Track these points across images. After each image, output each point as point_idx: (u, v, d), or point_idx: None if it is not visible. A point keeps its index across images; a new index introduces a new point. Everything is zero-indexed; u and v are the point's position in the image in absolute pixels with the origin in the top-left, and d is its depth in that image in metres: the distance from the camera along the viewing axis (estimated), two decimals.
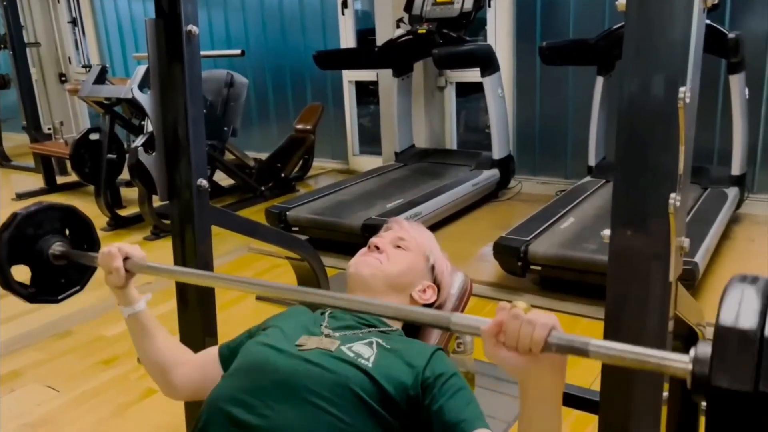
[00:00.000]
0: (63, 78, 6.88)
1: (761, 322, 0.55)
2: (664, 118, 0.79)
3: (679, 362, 0.62)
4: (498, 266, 2.69)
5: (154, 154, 1.35)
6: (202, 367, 1.13)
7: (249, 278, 1.09)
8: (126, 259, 1.09)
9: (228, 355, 1.10)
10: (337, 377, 0.91)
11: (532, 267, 2.55)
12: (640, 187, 0.83)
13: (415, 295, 1.14)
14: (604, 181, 3.47)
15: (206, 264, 1.34)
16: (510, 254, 2.58)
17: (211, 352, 1.14)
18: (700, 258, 2.35)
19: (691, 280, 2.24)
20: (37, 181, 5.20)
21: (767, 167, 3.56)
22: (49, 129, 5.81)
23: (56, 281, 1.21)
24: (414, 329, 1.16)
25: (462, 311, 1.26)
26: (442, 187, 3.56)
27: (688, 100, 0.77)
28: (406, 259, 1.14)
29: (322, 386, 0.90)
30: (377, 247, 1.14)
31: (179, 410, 1.53)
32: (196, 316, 1.44)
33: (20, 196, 4.84)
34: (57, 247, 1.17)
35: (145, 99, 3.36)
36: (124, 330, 2.55)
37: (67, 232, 1.23)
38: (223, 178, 4.41)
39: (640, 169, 0.84)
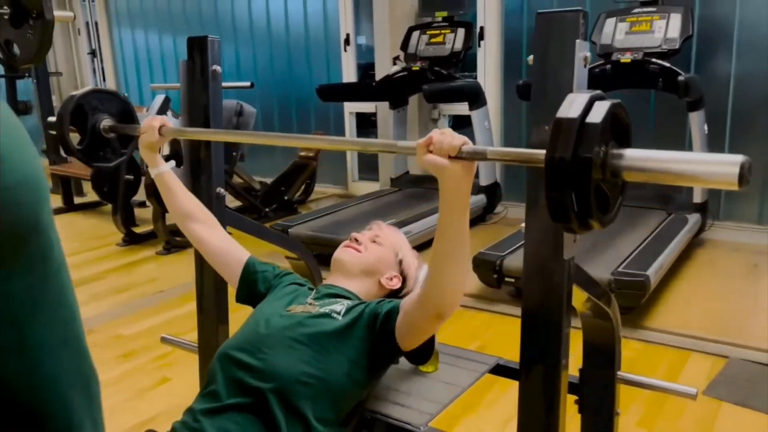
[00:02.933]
0: None
1: (583, 113, 0.78)
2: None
3: (539, 155, 0.85)
4: (477, 278, 2.99)
5: (182, 167, 1.68)
6: (227, 249, 1.46)
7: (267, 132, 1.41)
8: (161, 126, 1.40)
9: (250, 269, 1.43)
10: (314, 328, 1.22)
11: (507, 279, 2.85)
12: (542, 190, 1.15)
13: (383, 281, 1.44)
14: None
15: None
16: (487, 267, 2.89)
17: (241, 254, 1.46)
18: (653, 272, 2.64)
19: (642, 291, 2.53)
20: (55, 201, 5.54)
21: (732, 197, 3.86)
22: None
23: (105, 151, 1.50)
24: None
25: None
26: (432, 210, 3.88)
27: None
28: (379, 252, 1.45)
29: (303, 335, 1.21)
30: (357, 240, 1.45)
31: (192, 393, 1.81)
32: (211, 306, 1.72)
33: None
34: (106, 122, 1.47)
35: (176, 123, 3.71)
36: (139, 330, 2.87)
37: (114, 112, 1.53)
38: (231, 200, 4.74)
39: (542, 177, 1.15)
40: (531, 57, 1.16)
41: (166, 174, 1.45)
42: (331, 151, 5.37)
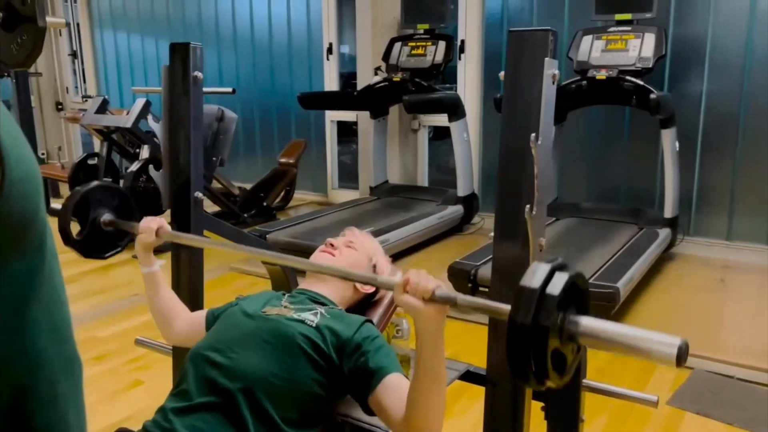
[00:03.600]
0: (60, 107, 7.23)
1: (543, 284, 0.85)
2: (525, 154, 1.16)
3: (503, 311, 0.93)
4: (451, 287, 3.03)
5: (161, 171, 1.70)
6: (191, 324, 1.48)
7: (242, 245, 1.44)
8: (159, 228, 1.45)
9: (212, 320, 1.43)
10: (286, 332, 1.24)
11: (481, 288, 2.90)
12: (511, 200, 1.19)
13: (358, 286, 1.47)
14: (554, 219, 3.85)
15: (198, 261, 1.67)
16: (461, 276, 2.93)
17: (201, 315, 1.48)
18: (623, 284, 2.70)
19: (612, 302, 2.60)
20: None
21: (702, 213, 3.96)
22: (43, 154, 6.13)
23: (102, 244, 1.56)
24: (358, 311, 1.50)
25: None
26: (409, 219, 3.93)
27: (539, 142, 1.14)
28: (353, 257, 1.48)
29: (275, 337, 1.24)
30: (332, 245, 1.49)
31: (163, 397, 1.82)
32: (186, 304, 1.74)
33: None
34: (106, 216, 1.51)
35: (156, 127, 3.75)
36: (113, 332, 2.86)
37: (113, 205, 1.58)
38: (209, 205, 4.72)
39: (511, 188, 1.20)
40: (503, 73, 1.21)
41: (156, 273, 1.50)
42: (311, 162, 5.40)
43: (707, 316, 2.92)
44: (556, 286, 0.85)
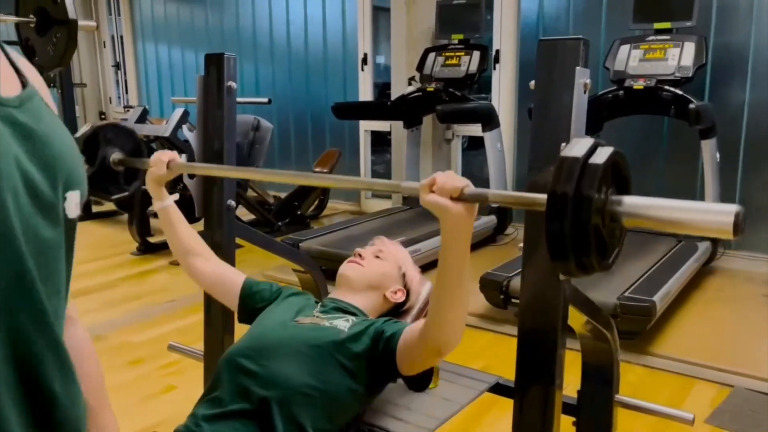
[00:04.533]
0: (102, 116, 7.44)
1: (587, 154, 0.79)
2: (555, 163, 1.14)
3: (540, 201, 0.86)
4: (483, 299, 3.00)
5: (195, 178, 1.72)
6: (221, 276, 1.50)
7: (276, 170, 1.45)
8: (170, 161, 1.42)
9: (247, 291, 1.47)
10: (318, 341, 1.25)
11: (513, 300, 2.86)
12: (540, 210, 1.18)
13: (387, 295, 1.47)
14: None
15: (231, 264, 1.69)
16: (493, 288, 2.90)
17: (237, 277, 1.49)
18: (659, 298, 2.63)
19: (648, 316, 2.54)
20: None
21: (746, 226, 3.84)
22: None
23: (110, 183, 1.52)
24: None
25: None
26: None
27: None
28: (382, 267, 1.48)
29: (308, 347, 1.25)
30: (361, 255, 1.49)
31: (195, 401, 1.85)
32: (218, 317, 1.76)
33: None
34: (116, 155, 1.51)
35: (191, 136, 3.83)
36: (149, 338, 2.91)
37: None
38: (244, 213, 4.80)
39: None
40: (533, 82, 1.20)
41: (170, 208, 1.49)
42: (345, 171, 5.43)
43: (749, 332, 2.83)
44: (600, 157, 0.79)
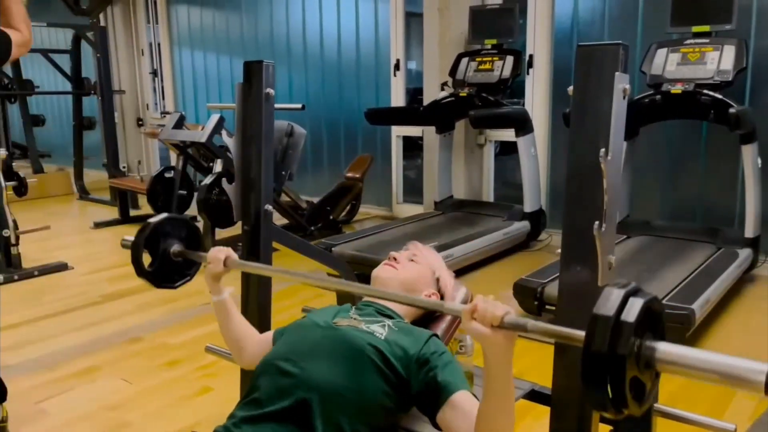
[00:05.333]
0: (140, 122, 7.61)
1: (618, 311, 0.84)
2: (594, 169, 1.14)
3: (577, 337, 0.92)
4: (517, 305, 2.98)
5: (233, 184, 1.76)
6: (260, 345, 1.50)
7: (310, 273, 1.47)
8: (226, 258, 1.47)
9: (279, 339, 1.46)
10: (356, 343, 1.26)
11: (547, 306, 2.83)
12: (579, 216, 1.17)
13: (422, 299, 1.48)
14: (625, 236, 3.73)
15: (267, 279, 1.72)
16: (527, 294, 2.88)
17: (268, 335, 1.51)
18: (698, 306, 2.58)
19: (687, 325, 2.49)
20: (111, 213, 5.78)
21: None
22: (124, 167, 6.46)
23: (172, 274, 1.62)
24: (422, 324, 1.50)
25: None
26: (474, 234, 3.89)
27: (609, 158, 1.11)
28: (416, 270, 1.49)
29: (345, 349, 1.26)
30: (395, 259, 1.50)
31: (232, 403, 1.87)
32: (255, 320, 1.78)
33: (97, 225, 5.40)
34: (176, 247, 1.58)
35: (230, 142, 3.90)
36: (185, 339, 2.97)
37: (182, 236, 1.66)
38: (278, 218, 4.84)
39: (579, 204, 1.18)
40: (571, 88, 1.20)
41: (226, 301, 1.53)
42: (376, 177, 5.45)
43: None
44: (632, 312, 0.83)
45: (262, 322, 1.73)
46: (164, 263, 1.60)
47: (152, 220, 1.60)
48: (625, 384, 0.81)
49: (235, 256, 1.50)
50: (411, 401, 1.28)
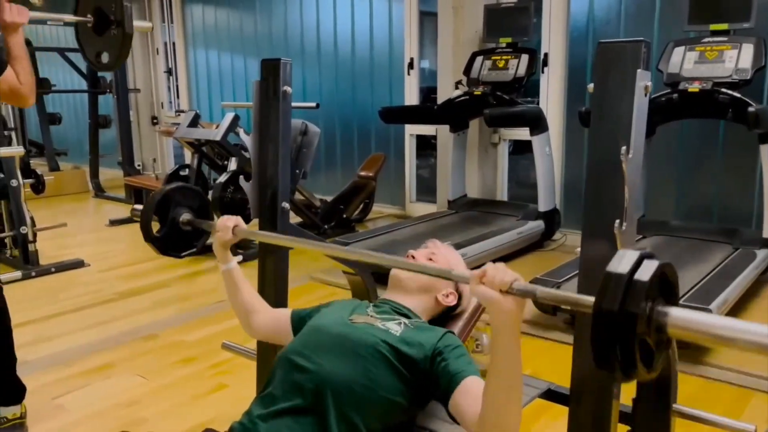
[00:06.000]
0: (155, 121, 7.66)
1: (632, 270, 0.82)
2: (614, 167, 1.13)
3: (587, 303, 0.88)
4: (532, 304, 2.96)
5: (250, 182, 1.77)
6: (275, 321, 1.53)
7: (323, 242, 1.48)
8: (235, 226, 1.50)
9: (297, 321, 1.48)
10: (372, 341, 1.26)
11: (563, 306, 2.82)
12: (599, 215, 1.16)
13: (439, 297, 1.48)
14: (641, 236, 3.70)
15: (284, 266, 1.72)
16: None
17: (285, 313, 1.52)
18: (716, 307, 2.56)
19: None
20: (126, 211, 5.82)
21: None
22: (139, 165, 6.51)
23: (179, 242, 1.63)
24: (439, 323, 1.49)
25: (479, 315, 1.59)
26: (488, 233, 3.88)
27: (630, 155, 1.11)
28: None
29: (361, 346, 1.26)
30: (413, 257, 1.50)
31: (247, 400, 1.88)
32: (271, 297, 1.78)
33: (113, 223, 5.44)
34: (185, 216, 1.58)
35: (247, 140, 3.93)
36: (200, 337, 2.98)
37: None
38: (292, 216, 4.84)
39: (599, 202, 1.17)
40: (591, 85, 1.19)
41: (234, 270, 1.55)
42: (389, 175, 5.45)
43: None
44: (645, 272, 0.81)
45: (278, 299, 1.74)
46: (172, 231, 1.59)
47: (164, 187, 1.60)
48: (634, 344, 0.79)
49: (243, 224, 1.51)
50: (427, 396, 1.28)
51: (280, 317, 1.52)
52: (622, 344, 0.79)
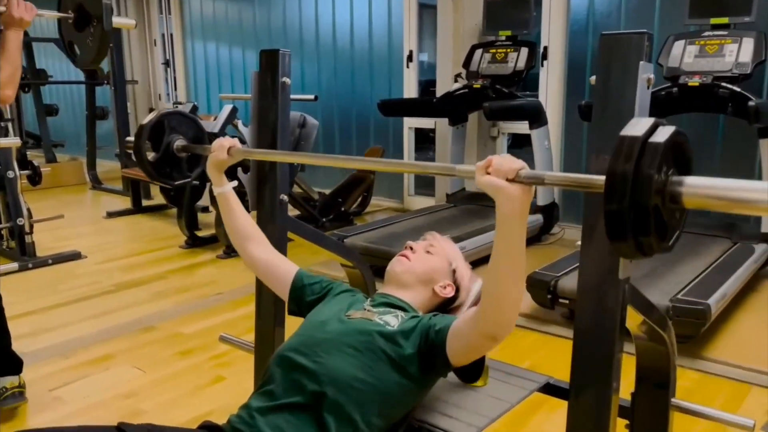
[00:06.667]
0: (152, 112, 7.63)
1: (647, 133, 0.79)
2: None
3: (598, 183, 0.87)
4: (530, 298, 2.96)
5: (248, 174, 1.75)
6: (274, 263, 1.53)
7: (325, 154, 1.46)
8: (230, 147, 1.48)
9: (299, 283, 1.49)
10: (369, 336, 1.26)
11: (561, 300, 2.81)
12: (599, 206, 1.15)
13: (437, 289, 1.47)
14: None
15: (282, 244, 1.71)
16: (541, 288, 2.86)
17: (290, 267, 1.53)
18: (714, 301, 2.55)
19: (702, 320, 2.46)
20: (124, 203, 5.81)
21: None
22: None
23: (173, 169, 1.59)
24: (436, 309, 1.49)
25: None
26: (486, 227, 3.87)
27: None
28: (432, 261, 1.48)
29: (358, 342, 1.25)
30: (412, 249, 1.49)
31: (246, 392, 1.88)
32: (269, 309, 1.78)
33: (110, 215, 5.43)
34: (179, 142, 1.55)
35: (246, 132, 3.89)
36: (199, 329, 2.98)
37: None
38: (289, 209, 4.84)
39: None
40: (594, 77, 1.18)
41: (228, 193, 1.54)
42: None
43: None
44: (660, 136, 0.78)
45: (276, 316, 1.73)
46: (166, 156, 1.55)
47: (158, 111, 1.56)
48: (648, 208, 0.76)
49: (239, 145, 1.49)
50: (425, 383, 1.29)
51: (282, 265, 1.52)
52: (636, 210, 0.75)
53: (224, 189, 1.54)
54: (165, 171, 1.59)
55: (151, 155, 1.59)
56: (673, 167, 0.80)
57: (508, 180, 0.98)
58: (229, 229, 1.56)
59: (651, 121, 0.80)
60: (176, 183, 1.61)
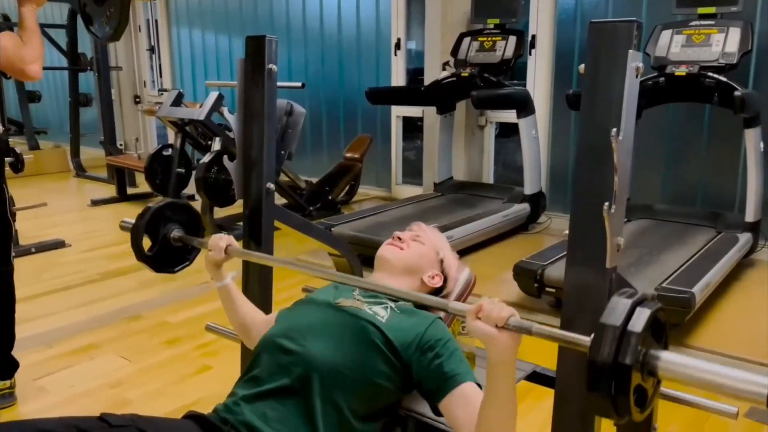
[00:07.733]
0: (137, 100, 7.54)
1: (625, 321, 0.85)
2: (605, 149, 1.12)
3: (583, 343, 0.92)
4: (517, 287, 2.98)
5: (234, 162, 1.74)
6: (266, 326, 1.49)
7: (314, 265, 1.45)
8: (227, 246, 1.47)
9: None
10: (358, 324, 1.25)
11: (548, 289, 2.83)
12: (589, 197, 1.15)
13: (425, 279, 1.47)
14: (626, 220, 3.72)
15: (269, 249, 1.70)
16: (528, 276, 2.87)
17: (272, 316, 1.50)
18: (698, 290, 2.58)
19: (686, 308, 2.48)
20: (109, 191, 5.75)
21: None
22: (121, 145, 6.41)
23: (172, 258, 1.62)
24: (425, 306, 1.49)
25: (466, 298, 1.58)
26: (474, 216, 3.88)
27: (620, 137, 1.09)
28: (420, 250, 1.48)
29: (347, 329, 1.25)
30: (400, 238, 1.48)
31: (232, 381, 1.87)
32: (256, 298, 1.76)
33: (95, 203, 5.37)
34: (176, 232, 1.56)
35: (232, 119, 3.88)
36: (185, 318, 2.97)
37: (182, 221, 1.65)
38: (276, 198, 4.81)
39: (589, 184, 1.16)
40: (582, 66, 1.17)
41: (229, 286, 1.52)
42: (376, 157, 5.42)
43: None
44: (638, 323, 0.85)
45: (264, 305, 1.71)
46: (164, 248, 1.59)
47: (153, 204, 1.58)
48: (629, 393, 0.83)
49: (236, 244, 1.49)
50: (411, 384, 1.28)
51: (270, 321, 1.49)
52: (618, 393, 0.83)
53: (225, 282, 1.51)
54: (165, 261, 1.62)
55: (147, 246, 1.61)
56: (651, 340, 0.87)
57: (497, 327, 1.01)
58: (231, 320, 1.55)
59: (628, 305, 0.86)
60: (176, 270, 1.63)
